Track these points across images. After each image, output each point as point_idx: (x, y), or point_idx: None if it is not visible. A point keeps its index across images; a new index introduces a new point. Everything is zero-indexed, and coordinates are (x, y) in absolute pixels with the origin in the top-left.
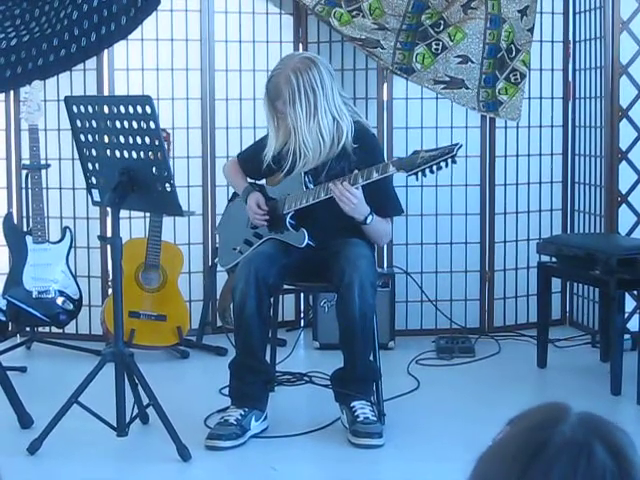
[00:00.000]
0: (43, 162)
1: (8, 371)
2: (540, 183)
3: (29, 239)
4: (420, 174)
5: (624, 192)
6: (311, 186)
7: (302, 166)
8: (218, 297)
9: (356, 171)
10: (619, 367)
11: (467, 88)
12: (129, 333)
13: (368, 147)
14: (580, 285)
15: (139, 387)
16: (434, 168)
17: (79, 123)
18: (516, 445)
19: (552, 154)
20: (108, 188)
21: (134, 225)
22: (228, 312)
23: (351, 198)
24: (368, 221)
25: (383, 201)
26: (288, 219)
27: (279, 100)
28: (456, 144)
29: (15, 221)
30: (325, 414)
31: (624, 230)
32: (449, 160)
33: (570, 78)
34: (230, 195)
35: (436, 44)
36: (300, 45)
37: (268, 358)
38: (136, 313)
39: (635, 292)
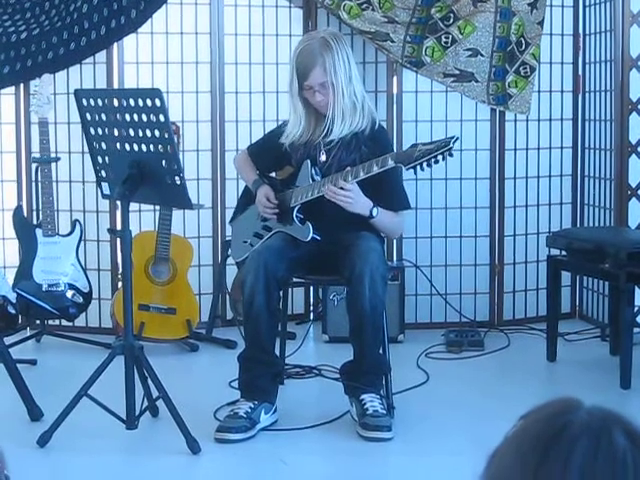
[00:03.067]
0: (53, 155)
1: (18, 364)
2: (550, 177)
3: (39, 232)
4: (418, 168)
5: (634, 186)
6: (318, 178)
7: (339, 132)
8: (230, 289)
9: (348, 168)
10: (629, 361)
11: (477, 81)
12: (139, 326)
13: (379, 139)
14: (590, 278)
15: (149, 380)
16: (431, 161)
17: (89, 116)
18: (532, 434)
19: (562, 147)
20: (118, 181)
21: (144, 218)
22: (240, 304)
23: (347, 194)
24: (374, 214)
25: (388, 195)
26: (295, 212)
27: (313, 71)
28: (452, 137)
29: (25, 214)
30: (334, 407)
31: (634, 223)
32: (446, 153)
33: (580, 71)
34: (242, 189)
35: (446, 37)
36: None
37: (277, 351)
38: (146, 306)
39: None
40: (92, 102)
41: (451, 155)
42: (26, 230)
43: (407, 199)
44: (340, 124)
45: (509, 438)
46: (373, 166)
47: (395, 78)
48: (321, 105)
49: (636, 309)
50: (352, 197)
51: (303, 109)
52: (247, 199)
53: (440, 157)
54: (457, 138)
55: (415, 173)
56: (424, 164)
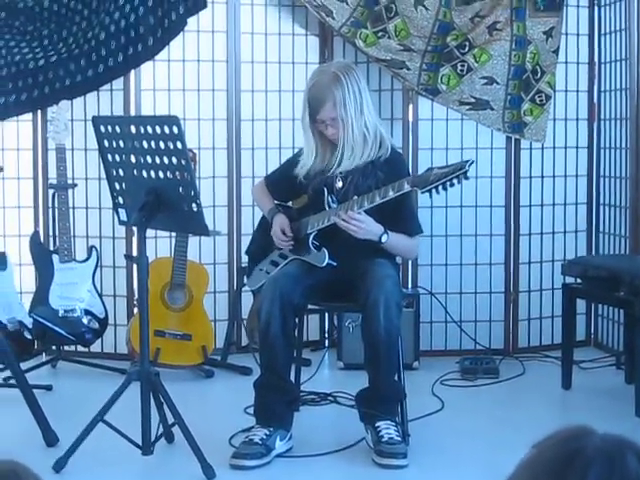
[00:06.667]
0: (70, 181)
1: (34, 389)
2: (565, 204)
3: (55, 258)
4: (434, 191)
5: None
6: (334, 205)
7: (350, 165)
8: (247, 316)
9: (355, 197)
10: None
11: (492, 109)
12: (154, 352)
13: (395, 163)
14: (605, 306)
15: (164, 406)
16: (447, 185)
17: (106, 143)
18: (546, 460)
19: (577, 175)
20: (135, 208)
21: (160, 244)
22: (256, 331)
23: (358, 224)
24: (383, 240)
25: (403, 220)
26: (311, 239)
27: (324, 106)
28: (467, 160)
29: (42, 240)
30: (350, 434)
31: None
32: (461, 176)
33: (595, 99)
34: (258, 221)
35: (461, 65)
36: None
37: (293, 378)
38: (161, 332)
39: None
40: (110, 129)
41: (467, 178)
42: (43, 256)
43: (418, 224)
44: (349, 157)
45: (522, 465)
46: (389, 191)
47: (411, 106)
48: (334, 138)
49: None
50: (361, 226)
51: (315, 141)
52: (263, 230)
53: (455, 180)
54: (472, 161)
55: (430, 197)
56: (440, 187)
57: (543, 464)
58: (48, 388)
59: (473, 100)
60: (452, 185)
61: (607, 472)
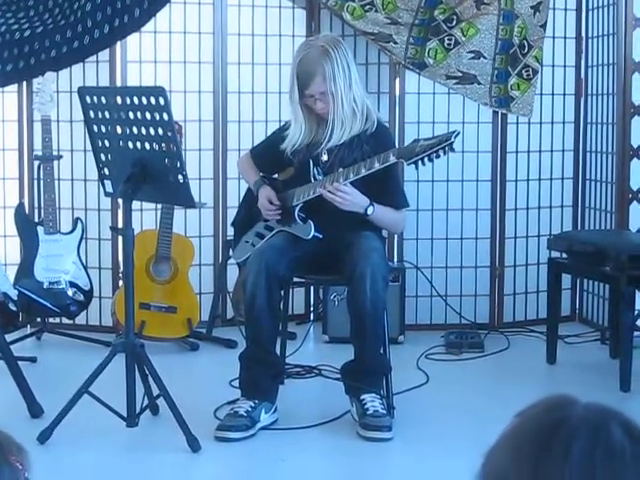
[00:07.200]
0: (55, 153)
1: (18, 361)
2: (551, 179)
3: (40, 230)
4: (420, 163)
5: (635, 189)
6: (320, 177)
7: (339, 139)
8: (233, 289)
9: (341, 169)
10: (628, 364)
11: (479, 83)
12: (139, 324)
13: (381, 136)
14: (590, 281)
15: (149, 378)
16: (433, 156)
17: (92, 114)
18: (529, 429)
19: (563, 150)
20: (121, 179)
21: (145, 217)
22: (241, 304)
23: (343, 196)
24: (369, 212)
25: (389, 193)
26: (297, 211)
27: (314, 80)
28: (453, 132)
29: (27, 212)
30: (335, 407)
31: (635, 227)
32: (447, 148)
33: (582, 74)
34: (244, 193)
35: (449, 39)
36: None
37: (278, 351)
38: (146, 304)
39: None
40: (95, 99)
41: (452, 150)
42: (28, 228)
43: (404, 198)
44: (339, 131)
45: (505, 435)
46: (375, 162)
47: (398, 79)
48: (323, 112)
49: (636, 312)
50: (346, 197)
51: (304, 116)
52: (248, 202)
53: (441, 152)
54: (458, 133)
55: (417, 168)
56: (425, 159)
57: (526, 433)
58: (33, 360)
59: (460, 74)
60: (438, 157)
61: (592, 442)
